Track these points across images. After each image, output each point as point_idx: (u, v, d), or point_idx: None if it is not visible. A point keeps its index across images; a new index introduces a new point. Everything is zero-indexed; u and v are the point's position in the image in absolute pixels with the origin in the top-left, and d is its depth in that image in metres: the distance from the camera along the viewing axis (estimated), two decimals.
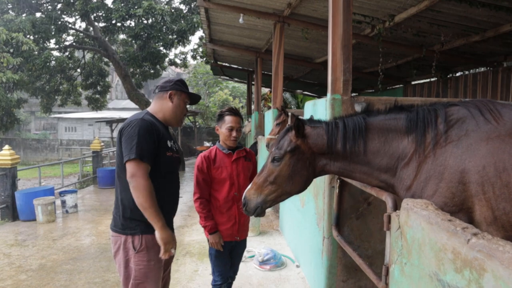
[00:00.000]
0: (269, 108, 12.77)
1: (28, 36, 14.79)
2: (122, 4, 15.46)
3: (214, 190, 3.58)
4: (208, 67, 21.54)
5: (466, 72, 9.95)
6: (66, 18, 17.12)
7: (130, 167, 2.58)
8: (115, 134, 5.12)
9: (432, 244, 1.75)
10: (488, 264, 1.38)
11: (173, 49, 18.02)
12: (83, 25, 18.64)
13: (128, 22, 16.36)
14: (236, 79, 19.50)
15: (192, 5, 16.64)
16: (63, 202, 9.14)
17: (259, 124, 11.40)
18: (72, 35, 18.62)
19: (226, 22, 9.20)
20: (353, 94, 3.69)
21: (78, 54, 20.18)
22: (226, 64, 15.42)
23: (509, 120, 2.10)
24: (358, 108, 3.60)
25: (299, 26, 7.91)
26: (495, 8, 5.68)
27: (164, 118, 2.91)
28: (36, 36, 15.22)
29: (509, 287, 1.27)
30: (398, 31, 7.34)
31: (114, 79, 40.52)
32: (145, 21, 16.01)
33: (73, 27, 17.88)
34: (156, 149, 2.71)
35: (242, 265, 4.60)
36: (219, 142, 3.67)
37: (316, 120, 2.76)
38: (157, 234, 2.62)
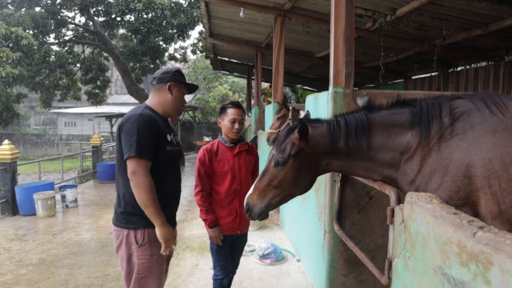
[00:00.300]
0: (269, 102, 12.73)
1: (27, 30, 14.72)
2: None
3: (215, 183, 3.56)
4: (208, 61, 21.50)
5: (468, 67, 9.90)
6: (66, 13, 17.03)
7: (130, 165, 2.56)
8: (115, 129, 5.11)
9: (437, 238, 1.73)
10: (495, 258, 1.35)
11: (173, 44, 17.88)
12: (83, 19, 18.57)
13: (128, 16, 16.29)
14: (236, 73, 19.47)
15: None
16: (63, 197, 9.12)
17: (259, 118, 11.37)
18: (72, 29, 18.54)
19: (226, 16, 9.15)
20: (354, 89, 3.65)
21: (77, 48, 20.11)
22: (226, 59, 15.37)
23: None
24: (360, 102, 3.57)
25: (300, 20, 7.86)
26: (497, 2, 5.63)
27: (163, 111, 2.88)
28: (36, 31, 15.15)
29: None
30: (400, 25, 7.29)
31: (114, 74, 40.44)
32: (145, 16, 15.95)
33: (72, 21, 17.80)
34: (156, 145, 2.68)
35: (242, 259, 4.59)
36: (221, 135, 3.65)
37: (316, 119, 2.72)
38: (158, 231, 2.62)
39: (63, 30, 17.46)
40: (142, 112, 2.70)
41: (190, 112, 27.11)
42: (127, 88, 17.71)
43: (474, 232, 1.49)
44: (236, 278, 4.08)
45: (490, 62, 8.97)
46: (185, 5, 16.65)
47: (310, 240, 4.55)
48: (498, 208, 1.99)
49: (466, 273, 1.51)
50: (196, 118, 28.21)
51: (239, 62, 15.57)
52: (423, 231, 1.86)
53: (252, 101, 15.23)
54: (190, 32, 17.54)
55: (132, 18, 16.15)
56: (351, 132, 2.47)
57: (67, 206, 9.10)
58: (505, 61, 8.40)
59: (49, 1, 16.80)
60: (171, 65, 38.77)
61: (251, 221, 3.83)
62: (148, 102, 2.89)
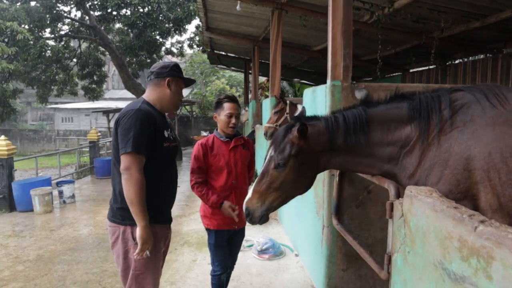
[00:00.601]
0: (266, 97, 12.70)
1: (23, 25, 14.59)
2: None
3: (211, 178, 3.53)
4: (205, 56, 21.37)
5: (465, 60, 9.87)
6: (61, 7, 16.89)
7: (125, 160, 2.52)
8: (112, 124, 5.07)
9: (437, 232, 1.70)
10: (496, 252, 1.33)
11: (169, 38, 17.78)
12: (79, 14, 18.42)
13: (124, 10, 16.17)
14: (233, 68, 19.40)
15: None
16: (61, 193, 9.08)
17: (257, 113, 11.34)
18: (68, 24, 18.40)
19: (223, 10, 9.08)
20: (353, 82, 3.62)
21: (74, 43, 19.97)
22: (223, 53, 15.30)
23: None
24: (358, 95, 3.54)
25: (297, 13, 7.81)
26: None
27: (161, 106, 2.83)
28: (31, 25, 15.03)
29: None
30: (398, 17, 7.25)
31: (111, 69, 40.24)
32: (141, 10, 15.84)
33: (68, 16, 17.67)
34: (153, 141, 2.64)
35: (240, 255, 4.57)
36: (216, 130, 3.62)
37: (313, 117, 2.66)
38: (138, 232, 2.54)
39: (59, 25, 17.30)
40: (140, 107, 2.66)
41: (187, 107, 27.02)
42: (124, 83, 17.62)
43: (475, 226, 1.47)
44: (234, 273, 4.07)
45: (488, 55, 8.94)
46: None
47: (309, 234, 4.53)
48: (498, 201, 1.97)
49: (467, 268, 1.49)
50: (194, 113, 28.13)
51: (236, 56, 15.51)
52: (423, 225, 1.83)
53: (250, 95, 15.18)
54: (187, 26, 17.50)
55: (128, 12, 16.04)
56: (350, 129, 2.43)
57: (64, 202, 9.06)
58: (503, 54, 8.36)
59: None
60: (168, 59, 38.66)
61: None
62: (145, 96, 2.84)
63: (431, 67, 11.03)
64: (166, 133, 2.79)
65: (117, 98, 38.58)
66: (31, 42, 14.17)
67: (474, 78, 9.10)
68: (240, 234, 3.82)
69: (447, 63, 10.26)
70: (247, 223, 2.99)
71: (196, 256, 5.43)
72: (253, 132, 10.94)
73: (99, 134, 14.45)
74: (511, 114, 2.02)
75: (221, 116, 3.49)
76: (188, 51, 23.72)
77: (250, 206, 2.60)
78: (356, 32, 8.53)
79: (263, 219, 2.64)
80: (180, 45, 20.49)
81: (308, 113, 4.01)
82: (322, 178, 3.85)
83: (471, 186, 2.05)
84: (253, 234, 5.99)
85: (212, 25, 11.03)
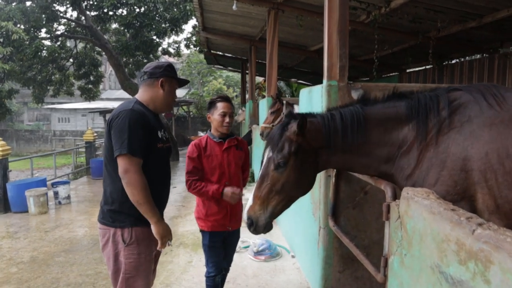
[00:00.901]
0: (263, 97, 12.67)
1: (18, 25, 14.50)
2: None
3: (205, 179, 3.49)
4: (202, 56, 21.36)
5: (462, 59, 9.87)
6: (57, 7, 16.80)
7: (122, 163, 2.48)
8: None
9: (434, 235, 1.67)
10: (495, 256, 1.30)
11: (166, 38, 17.72)
12: (75, 14, 18.34)
13: (120, 10, 16.09)
14: (230, 68, 19.39)
15: None
16: (56, 194, 9.02)
17: (253, 113, 11.32)
18: (64, 24, 18.30)
19: (219, 10, 9.05)
20: (350, 82, 3.59)
21: (70, 43, 19.88)
22: (220, 53, 15.28)
23: None
24: (355, 95, 3.50)
25: (294, 13, 7.79)
26: None
27: (154, 106, 2.79)
28: (27, 25, 14.93)
29: None
30: (394, 17, 7.23)
31: (108, 69, 40.13)
32: (137, 10, 15.77)
33: (64, 16, 17.58)
34: (147, 142, 2.60)
35: (236, 256, 4.53)
36: (210, 130, 3.59)
37: (308, 114, 2.59)
38: (154, 229, 2.56)
39: (55, 25, 17.22)
40: (133, 107, 2.61)
41: (184, 107, 27.00)
42: (121, 83, 17.55)
43: (473, 229, 1.43)
44: (230, 275, 4.03)
45: (484, 55, 8.94)
46: None
47: (305, 236, 4.50)
48: (495, 203, 1.95)
49: (465, 272, 1.45)
50: (191, 113, 28.10)
51: (233, 56, 15.48)
52: (420, 227, 1.80)
53: (247, 95, 15.16)
54: (184, 26, 17.38)
55: (125, 12, 15.96)
56: (347, 126, 2.37)
57: (59, 202, 9.00)
58: (500, 53, 8.36)
59: None
60: (165, 59, 38.60)
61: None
62: (138, 97, 2.79)
63: (428, 67, 11.03)
64: (160, 134, 2.76)
65: (114, 98, 38.47)
66: (27, 42, 14.07)
67: (471, 78, 9.10)
68: (235, 235, 3.79)
69: (444, 63, 10.27)
70: (243, 225, 2.92)
71: (191, 257, 5.38)
72: (250, 132, 10.91)
73: (95, 134, 14.38)
74: (508, 114, 1.99)
75: (215, 116, 3.47)
76: (185, 51, 23.65)
77: (253, 214, 2.48)
78: (352, 32, 8.51)
79: (267, 227, 2.51)
80: (177, 45, 20.42)
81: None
82: (318, 179, 3.82)
83: (468, 187, 2.02)
84: (250, 235, 5.92)
85: (208, 25, 10.99)
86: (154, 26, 15.87)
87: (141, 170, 2.51)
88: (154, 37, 16.85)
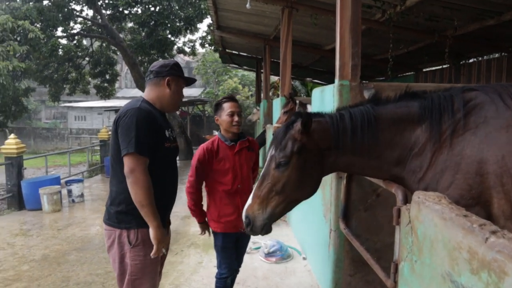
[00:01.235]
0: (278, 96, 12.60)
1: (35, 24, 14.65)
2: None
3: (217, 182, 3.45)
4: (217, 55, 21.36)
5: (480, 58, 9.66)
6: (73, 6, 16.98)
7: (128, 162, 2.44)
8: None
9: (445, 242, 1.59)
10: (509, 267, 1.22)
11: (181, 37, 17.78)
12: (91, 13, 18.52)
13: (135, 9, 16.19)
14: (245, 67, 19.33)
15: None
16: (69, 192, 9.08)
17: (268, 112, 11.26)
18: (80, 23, 18.50)
19: (233, 8, 9.01)
20: (365, 82, 3.50)
21: (86, 42, 20.09)
22: (235, 52, 15.24)
23: None
24: (367, 95, 3.43)
25: (308, 12, 7.70)
26: None
27: (161, 106, 2.75)
28: (43, 24, 15.10)
29: None
30: (410, 16, 7.09)
31: (124, 68, 40.42)
32: (152, 8, 15.84)
33: (80, 15, 17.76)
34: (155, 141, 2.56)
35: (247, 257, 4.48)
36: (220, 132, 3.52)
37: (317, 113, 2.51)
38: (152, 233, 2.49)
39: (71, 24, 17.41)
40: (140, 106, 2.58)
41: (199, 106, 27.06)
42: (135, 82, 17.66)
43: (486, 237, 1.35)
44: (240, 276, 3.99)
45: (503, 53, 8.73)
46: None
47: (316, 238, 4.43)
48: (511, 208, 1.86)
49: (477, 282, 1.38)
50: (206, 112, 28.15)
51: (248, 55, 15.43)
52: (430, 234, 1.72)
53: (262, 95, 15.11)
54: (199, 25, 17.47)
55: (140, 11, 16.05)
56: (357, 126, 2.28)
57: (73, 201, 9.07)
58: None
59: None
60: (181, 58, 38.77)
61: None
62: (145, 95, 2.76)
63: (444, 66, 10.84)
64: (167, 133, 2.72)
65: (130, 96, 38.72)
66: (43, 41, 14.22)
67: (488, 78, 8.90)
68: (247, 236, 3.74)
69: (461, 62, 10.06)
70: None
71: (202, 258, 5.35)
72: (264, 132, 10.85)
73: (109, 132, 14.42)
74: None
75: (223, 117, 3.40)
76: (200, 50, 23.71)
77: (251, 213, 2.40)
78: (367, 30, 8.40)
79: (265, 229, 2.43)
80: (192, 44, 20.47)
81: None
82: (329, 181, 3.75)
83: (483, 191, 1.94)
84: (261, 236, 5.88)
85: (222, 24, 10.97)
86: (168, 25, 15.94)
87: (147, 170, 2.47)
88: (169, 36, 16.90)
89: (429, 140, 2.13)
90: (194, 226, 6.87)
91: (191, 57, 21.51)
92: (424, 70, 12.24)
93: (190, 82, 2.95)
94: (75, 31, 17.93)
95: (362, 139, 2.28)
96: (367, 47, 10.50)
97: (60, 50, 15.75)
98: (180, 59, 43.24)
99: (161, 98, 2.73)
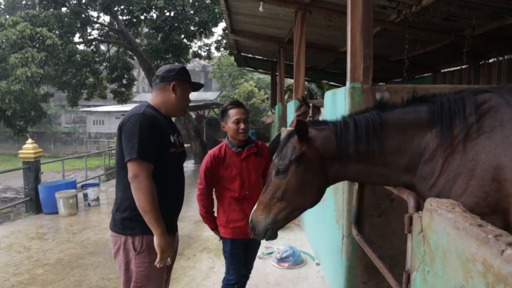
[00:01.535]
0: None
1: (53, 31, 14.84)
2: None
3: (225, 189, 3.40)
4: (233, 58, 21.40)
5: (500, 58, 9.42)
6: (90, 12, 17.19)
7: (132, 167, 2.40)
8: None
9: (458, 253, 1.50)
10: None
11: (196, 41, 17.85)
12: (107, 19, 18.73)
13: (150, 14, 16.30)
14: (260, 70, 19.31)
15: None
16: (85, 195, 9.14)
17: (282, 115, 11.19)
18: (97, 29, 18.72)
19: (246, 12, 8.98)
20: (380, 84, 3.40)
21: (103, 47, 20.30)
22: (250, 55, 15.23)
23: None
24: (379, 97, 3.33)
25: (322, 14, 7.61)
26: None
27: (167, 111, 2.72)
28: (61, 31, 15.29)
29: None
30: (426, 15, 6.94)
31: (141, 73, 40.78)
32: (167, 13, 15.92)
33: (97, 21, 17.96)
34: (159, 147, 2.52)
35: (260, 262, 4.41)
36: (227, 137, 3.46)
37: (321, 121, 2.47)
38: (156, 241, 2.44)
39: (88, 30, 17.61)
40: (144, 111, 2.55)
41: (215, 110, 27.13)
42: (151, 86, 17.78)
43: (502, 249, 1.26)
44: (252, 282, 3.93)
45: None
46: (207, 1, 16.54)
47: (329, 243, 4.33)
48: None
49: None
50: None
51: (263, 58, 15.40)
52: (443, 243, 1.63)
53: (277, 98, 15.07)
54: (214, 29, 17.54)
55: (154, 16, 16.17)
56: (362, 134, 2.21)
57: (89, 204, 9.12)
58: None
59: (74, 1, 16.96)
60: (197, 62, 38.95)
61: None
62: (150, 100, 2.73)
63: (463, 66, 10.60)
64: (172, 138, 2.67)
65: (147, 101, 39.12)
66: (60, 47, 14.39)
67: (510, 78, 8.66)
68: (256, 242, 3.67)
69: (481, 62, 9.82)
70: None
71: (214, 263, 5.30)
72: (279, 135, 10.78)
73: None
74: None
75: (229, 124, 3.33)
76: (215, 54, 23.77)
77: (254, 218, 2.43)
78: (382, 32, 8.28)
79: (268, 234, 2.42)
80: (207, 48, 20.53)
81: (329, 116, 3.84)
82: (341, 185, 3.65)
83: (501, 199, 1.83)
84: (274, 241, 5.80)
85: (236, 27, 10.95)
86: (183, 29, 15.99)
87: (151, 177, 2.43)
88: (184, 40, 16.96)
89: (440, 146, 2.03)
90: (207, 230, 6.78)
91: (207, 61, 21.55)
92: (442, 71, 12.01)
93: (197, 87, 2.90)
94: (92, 37, 18.13)
95: (368, 147, 2.21)
96: (382, 48, 10.35)
97: (77, 56, 15.92)
98: (196, 63, 43.50)
99: (166, 103, 2.69)
